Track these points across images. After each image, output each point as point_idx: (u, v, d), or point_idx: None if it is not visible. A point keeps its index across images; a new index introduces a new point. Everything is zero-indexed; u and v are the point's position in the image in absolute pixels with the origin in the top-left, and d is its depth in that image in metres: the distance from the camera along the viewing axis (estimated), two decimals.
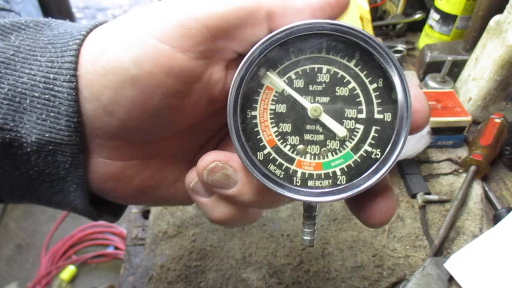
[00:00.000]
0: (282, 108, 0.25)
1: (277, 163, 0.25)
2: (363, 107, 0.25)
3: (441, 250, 0.56)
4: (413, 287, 0.50)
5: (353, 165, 0.25)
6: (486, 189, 0.64)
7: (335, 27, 0.24)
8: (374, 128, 0.25)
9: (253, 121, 0.25)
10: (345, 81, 0.25)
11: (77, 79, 0.23)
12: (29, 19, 0.26)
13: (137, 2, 3.64)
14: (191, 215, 0.61)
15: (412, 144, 0.63)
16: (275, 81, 0.25)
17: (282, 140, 0.25)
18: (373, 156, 0.25)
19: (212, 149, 0.30)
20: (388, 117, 0.24)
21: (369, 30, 0.88)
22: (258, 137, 0.25)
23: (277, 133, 0.25)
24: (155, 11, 0.24)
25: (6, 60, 0.24)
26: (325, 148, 0.25)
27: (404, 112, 0.24)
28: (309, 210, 0.27)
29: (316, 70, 0.25)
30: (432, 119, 0.66)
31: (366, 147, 0.25)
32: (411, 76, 0.86)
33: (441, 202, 0.62)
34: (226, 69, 0.26)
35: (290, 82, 0.25)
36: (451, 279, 0.52)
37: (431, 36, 0.91)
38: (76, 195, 0.27)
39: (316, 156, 0.25)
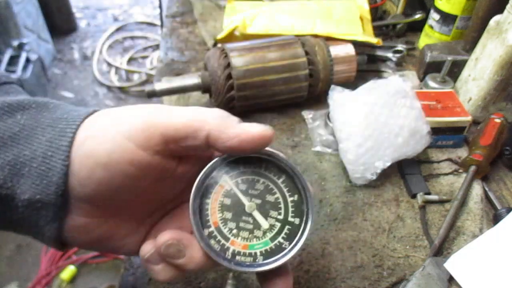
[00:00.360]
0: (228, 201, 0.35)
1: (216, 239, 0.34)
2: (282, 211, 0.35)
3: (441, 250, 0.56)
4: (413, 287, 0.50)
5: (269, 250, 0.34)
6: (486, 189, 0.64)
7: (271, 154, 0.35)
8: (287, 227, 0.35)
9: (206, 206, 0.35)
10: (273, 191, 0.35)
11: (70, 159, 0.31)
12: (31, 99, 0.34)
13: (137, 2, 3.65)
14: None
15: (412, 144, 0.63)
16: (227, 182, 0.35)
17: (223, 224, 0.35)
18: (283, 246, 0.35)
19: (159, 217, 0.40)
20: (297, 221, 0.35)
21: (369, 30, 0.89)
22: (207, 218, 0.34)
23: (221, 218, 0.35)
24: (126, 116, 0.33)
25: (12, 135, 0.31)
26: (252, 235, 0.34)
27: (308, 221, 0.35)
28: (234, 278, 0.38)
29: (255, 180, 0.35)
30: (432, 119, 0.66)
31: (280, 239, 0.35)
32: (411, 76, 0.86)
33: (441, 202, 0.62)
34: (176, 161, 0.35)
35: (237, 185, 0.35)
36: (451, 279, 0.52)
37: (431, 36, 0.91)
38: (50, 240, 0.34)
39: (245, 239, 0.34)
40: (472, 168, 0.64)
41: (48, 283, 1.67)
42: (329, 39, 0.79)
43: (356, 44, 0.79)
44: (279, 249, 0.34)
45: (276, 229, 0.35)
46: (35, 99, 0.34)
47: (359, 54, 0.80)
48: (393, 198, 0.63)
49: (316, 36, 0.79)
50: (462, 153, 0.70)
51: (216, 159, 0.35)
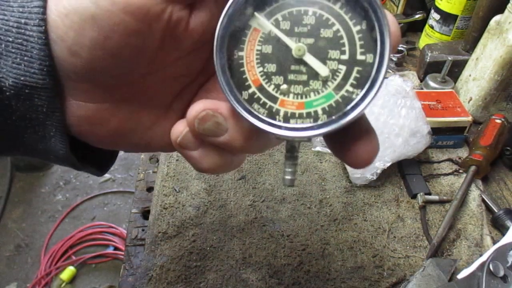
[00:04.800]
0: (268, 49, 0.26)
1: (261, 102, 0.26)
2: (346, 48, 0.25)
3: (440, 250, 0.56)
4: None
5: (334, 105, 0.25)
6: (482, 195, 0.63)
7: None
8: (356, 69, 0.25)
9: (240, 61, 0.26)
10: (329, 23, 0.25)
11: (46, 23, 0.24)
12: None
13: None
14: (191, 215, 0.61)
15: (412, 144, 0.63)
16: (262, 22, 0.25)
17: (266, 80, 0.26)
18: (353, 96, 0.25)
19: (190, 96, 0.31)
20: (370, 58, 0.25)
21: None
22: (243, 76, 0.26)
23: (262, 73, 0.26)
24: None
25: None
26: (307, 88, 0.26)
27: (385, 50, 0.24)
28: (291, 150, 0.28)
29: (302, 12, 0.25)
30: (432, 119, 0.66)
31: (347, 87, 0.25)
32: (412, 76, 0.86)
33: (442, 202, 0.62)
34: (188, 9, 0.26)
35: (276, 24, 0.25)
36: (451, 279, 0.51)
37: (432, 36, 0.91)
38: (56, 140, 0.28)
39: (299, 96, 0.26)
40: (472, 168, 0.64)
41: (47, 283, 1.67)
42: None
43: None
44: (347, 101, 0.25)
45: (341, 75, 0.25)
46: None
47: None
48: (393, 198, 0.63)
49: None
50: (462, 153, 0.70)
51: None
